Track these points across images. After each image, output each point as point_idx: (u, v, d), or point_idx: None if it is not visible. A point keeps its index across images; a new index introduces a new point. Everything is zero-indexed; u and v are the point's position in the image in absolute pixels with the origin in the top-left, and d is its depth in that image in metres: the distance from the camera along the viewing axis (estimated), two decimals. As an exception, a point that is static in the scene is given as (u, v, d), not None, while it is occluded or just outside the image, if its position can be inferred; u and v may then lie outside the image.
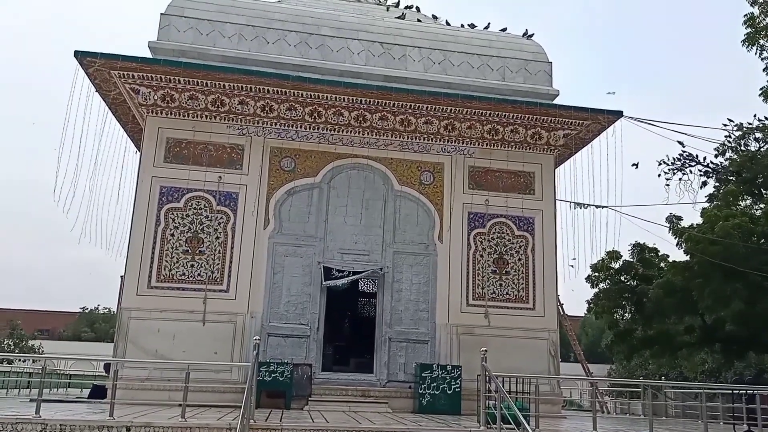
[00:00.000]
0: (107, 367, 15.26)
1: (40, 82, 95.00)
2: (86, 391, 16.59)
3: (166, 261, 13.64)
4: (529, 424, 8.61)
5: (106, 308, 60.86)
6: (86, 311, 62.00)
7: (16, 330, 43.21)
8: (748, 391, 12.70)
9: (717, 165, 24.18)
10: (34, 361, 22.98)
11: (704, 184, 24.52)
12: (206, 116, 14.37)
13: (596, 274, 25.29)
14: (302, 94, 14.32)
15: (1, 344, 37.18)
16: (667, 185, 23.43)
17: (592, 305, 26.79)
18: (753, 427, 11.35)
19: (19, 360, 27.15)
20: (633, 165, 20.87)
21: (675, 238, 23.41)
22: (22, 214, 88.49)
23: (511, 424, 8.86)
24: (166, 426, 8.89)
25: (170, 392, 11.90)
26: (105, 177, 13.98)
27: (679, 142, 20.01)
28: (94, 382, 16.71)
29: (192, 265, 13.70)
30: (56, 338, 52.72)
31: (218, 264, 13.80)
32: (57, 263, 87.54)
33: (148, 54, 14.11)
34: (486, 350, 10.38)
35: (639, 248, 25.02)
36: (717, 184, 24.57)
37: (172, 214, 13.89)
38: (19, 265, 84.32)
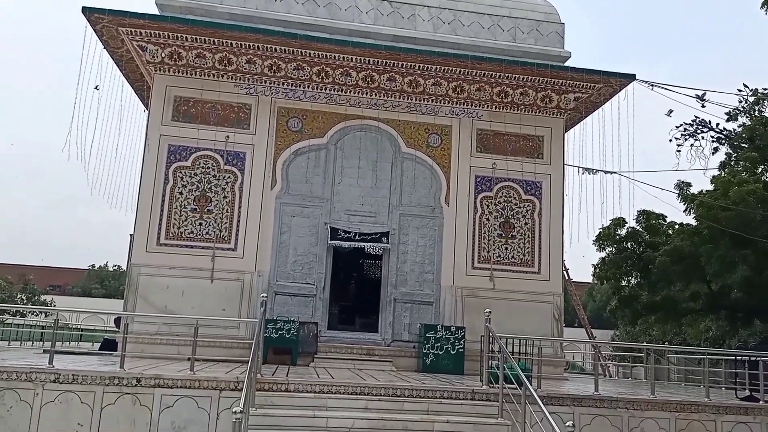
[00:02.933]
0: (117, 321, 15.59)
1: (50, 40, 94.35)
2: (97, 345, 16.95)
3: (175, 219, 13.76)
4: (531, 385, 8.75)
5: (115, 266, 61.72)
6: (95, 268, 62.82)
7: (29, 285, 43.95)
8: (752, 357, 12.82)
9: (729, 131, 23.90)
10: (46, 315, 23.44)
11: (716, 150, 24.29)
12: (214, 75, 14.29)
13: (603, 239, 25.28)
14: (310, 54, 14.18)
15: (14, 298, 37.87)
16: (678, 151, 23.22)
17: (597, 269, 26.87)
18: (755, 392, 11.49)
19: (32, 313, 27.71)
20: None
21: (684, 204, 23.31)
22: (34, 175, 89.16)
23: (513, 383, 9.00)
24: (176, 378, 9.11)
25: (179, 347, 12.14)
26: (113, 135, 14.03)
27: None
28: (105, 336, 17.05)
29: (200, 224, 13.82)
30: (67, 294, 53.63)
31: (226, 223, 13.91)
32: (68, 222, 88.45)
33: (155, 11, 13.97)
34: (490, 312, 10.50)
35: (645, 215, 24.93)
36: (729, 150, 24.33)
37: (180, 172, 13.94)
38: (31, 223, 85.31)
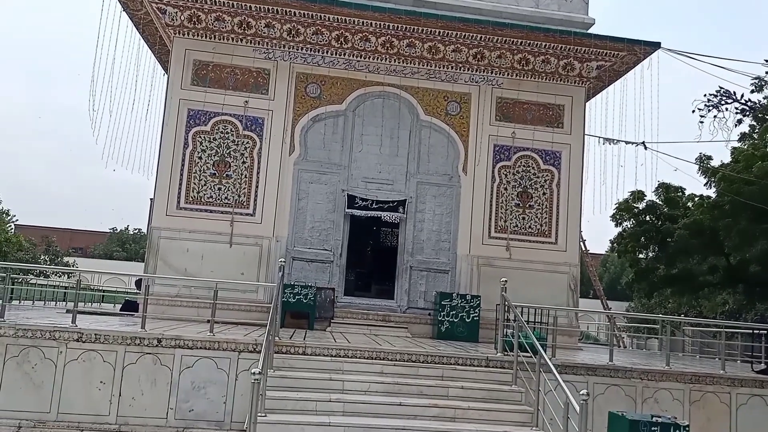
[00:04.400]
0: (138, 283, 15.85)
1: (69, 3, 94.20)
2: (118, 307, 17.29)
3: (194, 183, 13.87)
4: (545, 353, 8.80)
5: (136, 229, 62.54)
6: (116, 231, 63.71)
7: (52, 247, 44.66)
8: (768, 331, 12.75)
9: (754, 103, 23.38)
10: (69, 276, 23.87)
11: (739, 122, 23.79)
12: (232, 39, 14.22)
13: (621, 213, 25.08)
14: (329, 18, 14.03)
15: (37, 260, 38.59)
16: (701, 122, 22.78)
17: (615, 244, 26.72)
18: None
19: (56, 274, 28.25)
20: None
21: (704, 177, 23.00)
22: (59, 138, 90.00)
23: (528, 352, 9.08)
24: (196, 339, 9.30)
25: (198, 309, 12.34)
26: (133, 99, 14.09)
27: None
28: (126, 297, 17.38)
29: (219, 189, 13.92)
30: (89, 256, 54.54)
31: (244, 188, 13.99)
32: (89, 185, 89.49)
33: (174, -27, 13.85)
34: (506, 281, 10.53)
35: (664, 188, 24.65)
36: (753, 122, 23.83)
37: (200, 137, 14.00)
38: (54, 186, 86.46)
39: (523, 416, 8.79)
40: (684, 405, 10.20)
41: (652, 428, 7.45)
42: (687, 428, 7.59)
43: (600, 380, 10.08)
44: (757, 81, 22.42)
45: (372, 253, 17.85)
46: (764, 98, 23.23)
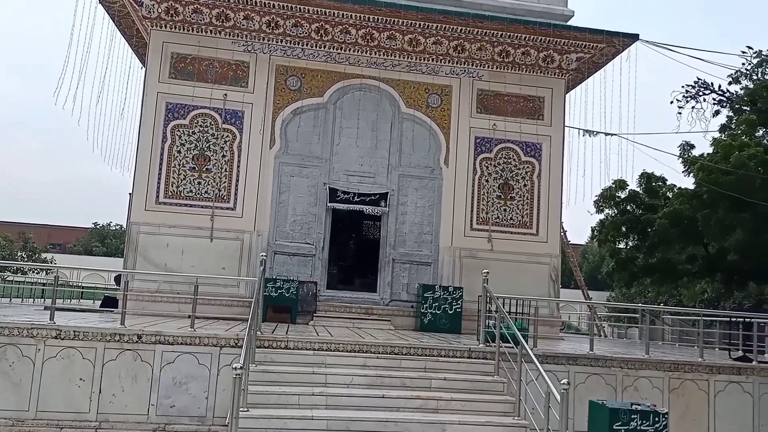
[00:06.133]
0: (118, 278, 15.68)
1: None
2: (98, 303, 17.07)
3: (174, 178, 13.72)
4: (527, 344, 8.86)
5: (117, 225, 61.80)
6: (98, 227, 62.94)
7: (29, 243, 43.97)
8: (746, 319, 12.97)
9: (732, 94, 23.70)
10: (47, 273, 23.54)
11: (717, 113, 24.12)
12: (211, 31, 14.06)
13: (604, 200, 25.29)
14: (308, 10, 13.92)
15: (14, 256, 37.98)
16: (679, 113, 23.06)
17: (596, 233, 26.96)
18: (748, 353, 11.67)
19: (33, 271, 27.86)
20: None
21: (685, 166, 23.27)
22: (38, 132, 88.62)
23: (509, 342, 9.14)
24: (176, 335, 9.22)
25: (179, 304, 12.27)
26: (111, 92, 13.93)
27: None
28: (106, 294, 17.17)
29: (199, 183, 13.78)
30: (67, 252, 53.84)
31: (225, 182, 13.87)
32: (70, 180, 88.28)
33: (150, -36, 13.65)
34: (488, 272, 10.58)
35: (646, 177, 24.91)
36: (730, 113, 24.16)
37: (179, 130, 13.84)
38: (33, 181, 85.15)
39: (505, 406, 8.86)
40: (663, 393, 10.34)
41: (632, 416, 7.53)
42: (666, 415, 7.69)
43: (581, 369, 10.18)
44: (735, 74, 22.75)
45: (354, 246, 17.83)
46: (741, 89, 23.55)
